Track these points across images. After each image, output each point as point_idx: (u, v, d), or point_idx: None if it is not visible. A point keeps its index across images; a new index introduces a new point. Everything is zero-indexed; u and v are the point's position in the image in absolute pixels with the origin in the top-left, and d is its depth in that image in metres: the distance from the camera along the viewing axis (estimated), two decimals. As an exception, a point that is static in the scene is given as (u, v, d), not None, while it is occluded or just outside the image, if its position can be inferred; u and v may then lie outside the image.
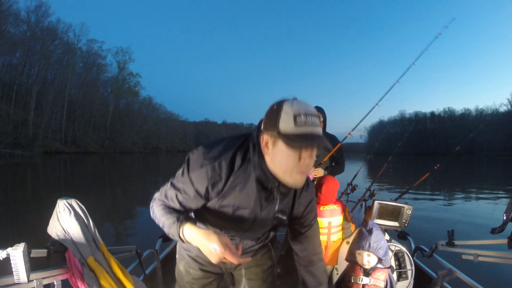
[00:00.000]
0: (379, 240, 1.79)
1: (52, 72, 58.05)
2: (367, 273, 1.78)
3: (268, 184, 1.09)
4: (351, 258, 1.88)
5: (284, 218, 1.27)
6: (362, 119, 3.28)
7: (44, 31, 54.81)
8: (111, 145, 66.97)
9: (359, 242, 1.80)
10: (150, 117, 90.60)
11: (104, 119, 68.22)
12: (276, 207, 1.20)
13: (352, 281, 1.79)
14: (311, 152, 1.02)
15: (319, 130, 1.00)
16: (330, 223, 2.45)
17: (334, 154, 3.15)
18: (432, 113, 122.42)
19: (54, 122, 53.52)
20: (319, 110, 3.15)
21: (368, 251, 1.75)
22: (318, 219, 2.44)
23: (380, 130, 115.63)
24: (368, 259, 1.78)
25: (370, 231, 1.80)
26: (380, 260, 1.78)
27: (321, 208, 2.47)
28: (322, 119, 3.14)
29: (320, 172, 3.00)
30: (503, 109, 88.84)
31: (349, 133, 3.24)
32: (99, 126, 67.13)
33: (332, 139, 3.22)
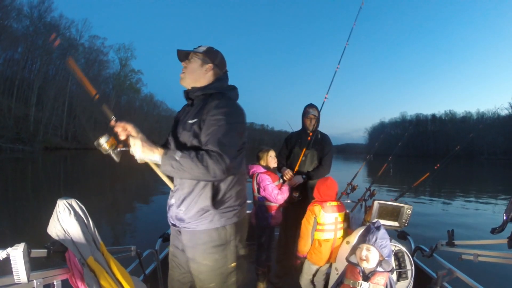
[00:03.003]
0: (385, 238, 1.76)
1: (53, 67, 58.11)
2: (366, 277, 1.73)
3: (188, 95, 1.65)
4: (351, 259, 1.83)
5: (192, 121, 1.52)
6: (318, 117, 3.16)
7: (46, 26, 54.61)
8: (112, 142, 66.84)
9: (365, 236, 1.77)
10: (151, 114, 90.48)
11: (105, 116, 67.97)
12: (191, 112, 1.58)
13: (351, 285, 1.74)
14: None
15: None
16: (337, 218, 2.46)
17: (321, 154, 3.12)
18: (433, 116, 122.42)
19: (55, 117, 53.55)
20: (313, 106, 3.14)
21: (373, 246, 1.70)
22: (326, 214, 2.43)
23: (380, 131, 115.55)
24: (367, 254, 1.72)
25: (378, 228, 1.78)
26: (381, 262, 1.74)
27: (328, 204, 2.46)
28: (317, 114, 3.11)
29: (293, 176, 2.97)
30: (504, 112, 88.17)
31: (309, 136, 3.11)
32: (100, 122, 67.02)
33: (324, 138, 3.20)
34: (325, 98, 3.08)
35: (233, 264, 1.52)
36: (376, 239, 1.71)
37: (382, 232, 1.77)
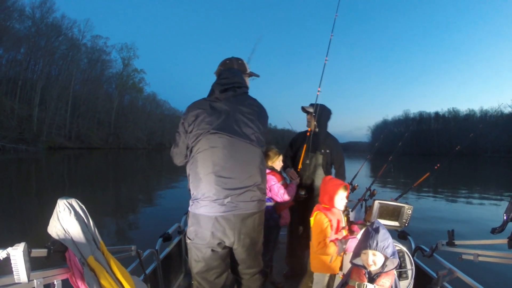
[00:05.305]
0: (386, 238, 1.70)
1: (56, 68, 58.39)
2: (372, 278, 1.71)
3: None
4: (356, 261, 1.80)
5: None
6: (318, 116, 3.06)
7: (48, 27, 54.88)
8: (115, 141, 67.07)
9: (366, 241, 1.71)
10: (154, 113, 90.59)
11: (108, 115, 68.30)
12: None
13: (356, 287, 1.73)
14: None
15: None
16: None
17: (333, 156, 3.10)
18: (437, 113, 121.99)
19: (58, 117, 53.74)
20: (312, 105, 3.06)
21: (375, 250, 1.66)
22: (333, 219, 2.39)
23: (383, 130, 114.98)
24: (373, 259, 1.69)
25: (376, 230, 1.72)
26: (385, 262, 1.71)
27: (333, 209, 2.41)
28: (312, 112, 3.03)
29: (297, 176, 2.95)
30: (507, 110, 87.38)
31: (316, 137, 3.07)
32: (103, 122, 67.28)
33: (333, 141, 3.15)
34: (318, 91, 2.99)
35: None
36: (377, 243, 1.66)
37: (382, 233, 1.71)
